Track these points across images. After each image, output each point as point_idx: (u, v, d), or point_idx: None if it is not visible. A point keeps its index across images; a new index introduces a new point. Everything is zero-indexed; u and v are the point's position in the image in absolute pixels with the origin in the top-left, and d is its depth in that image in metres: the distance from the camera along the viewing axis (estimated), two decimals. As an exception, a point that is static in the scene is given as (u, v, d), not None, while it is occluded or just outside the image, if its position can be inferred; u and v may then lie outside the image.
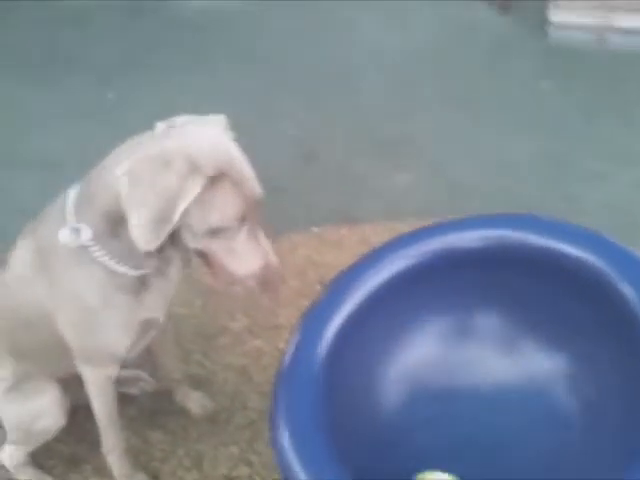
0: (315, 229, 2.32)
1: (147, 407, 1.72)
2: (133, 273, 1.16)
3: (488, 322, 1.39)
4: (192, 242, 1.06)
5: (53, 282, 1.18)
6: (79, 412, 1.57)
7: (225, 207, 1.01)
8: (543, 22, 4.93)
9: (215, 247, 1.05)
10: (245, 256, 1.06)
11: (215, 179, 0.99)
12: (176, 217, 0.98)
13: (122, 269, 1.14)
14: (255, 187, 1.06)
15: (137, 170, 0.98)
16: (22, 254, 1.24)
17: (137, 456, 1.57)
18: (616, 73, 4.16)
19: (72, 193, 1.15)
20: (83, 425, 1.61)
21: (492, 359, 1.38)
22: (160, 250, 1.10)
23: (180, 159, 0.96)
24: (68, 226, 1.11)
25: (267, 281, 1.10)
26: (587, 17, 4.74)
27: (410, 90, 3.87)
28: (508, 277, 1.34)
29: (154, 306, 1.25)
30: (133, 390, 1.74)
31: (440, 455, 1.24)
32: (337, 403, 1.22)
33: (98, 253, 1.12)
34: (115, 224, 1.07)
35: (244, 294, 1.15)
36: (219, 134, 1.10)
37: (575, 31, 4.77)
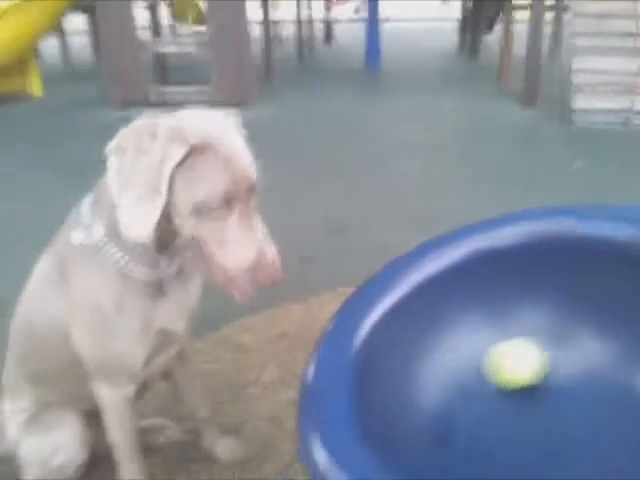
0: (341, 289, 2.30)
1: (172, 456, 1.62)
2: (146, 274, 1.12)
3: (534, 317, 1.31)
4: (183, 226, 1.01)
5: (68, 288, 1.14)
6: (99, 467, 1.51)
7: (209, 181, 0.96)
8: (567, 110, 5.11)
9: (205, 232, 0.99)
10: (236, 244, 0.99)
11: (200, 150, 0.96)
12: (162, 188, 0.95)
13: (135, 269, 1.11)
14: (247, 170, 1.01)
15: (122, 143, 0.97)
16: (41, 267, 1.22)
17: (160, 503, 1.46)
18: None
19: (87, 199, 1.14)
20: (104, 475, 1.52)
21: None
22: (166, 246, 1.09)
23: (164, 129, 0.95)
24: (81, 225, 1.11)
25: (262, 279, 1.00)
26: (609, 102, 4.88)
27: (440, 174, 4.00)
28: (550, 270, 1.28)
29: (171, 316, 1.20)
30: (159, 439, 1.65)
31: (487, 458, 1.10)
32: (370, 404, 1.12)
33: (111, 251, 1.09)
34: None
35: (242, 297, 1.06)
36: (217, 115, 1.06)
37: (599, 115, 4.90)
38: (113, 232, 1.07)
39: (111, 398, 1.25)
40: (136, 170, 0.95)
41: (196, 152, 0.96)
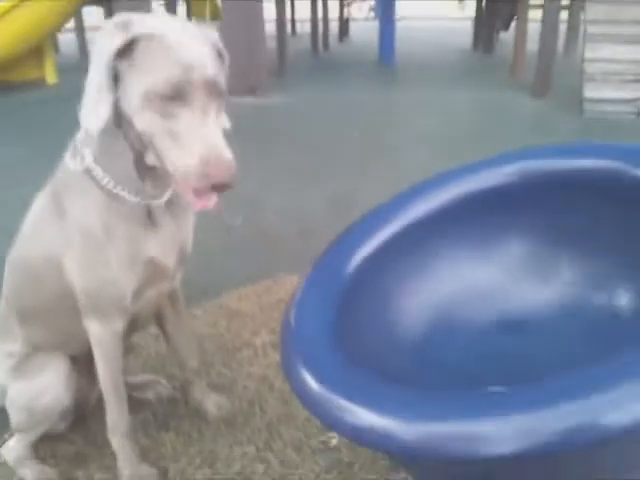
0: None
1: (161, 411, 1.63)
2: (133, 198, 1.14)
3: (517, 251, 1.34)
4: (138, 122, 1.01)
5: (63, 216, 1.17)
6: (88, 417, 1.54)
7: (155, 70, 0.96)
8: (579, 99, 5.06)
9: (158, 128, 0.98)
10: (187, 139, 0.96)
11: (145, 40, 0.97)
12: (104, 78, 0.98)
13: (123, 193, 1.13)
14: (200, 63, 0.98)
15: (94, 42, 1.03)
16: (39, 200, 1.25)
17: (146, 455, 1.46)
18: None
19: (82, 130, 1.15)
20: (91, 427, 1.54)
21: (527, 285, 1.28)
22: (152, 172, 1.12)
23: (111, 22, 0.99)
24: (74, 151, 1.14)
25: (214, 176, 0.95)
26: (621, 91, 4.82)
27: (450, 161, 3.94)
28: (531, 205, 1.31)
29: (161, 247, 1.21)
30: (149, 395, 1.66)
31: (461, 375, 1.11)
32: (352, 328, 1.13)
33: (100, 176, 1.12)
34: (107, 139, 1.09)
35: (203, 203, 1.01)
36: (181, 20, 1.08)
37: (610, 105, 4.84)
38: (98, 159, 1.12)
39: (100, 333, 1.25)
40: (91, 65, 0.99)
41: (141, 42, 0.97)
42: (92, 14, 12.76)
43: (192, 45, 1.00)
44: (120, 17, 1.01)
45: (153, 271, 1.23)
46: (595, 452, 0.78)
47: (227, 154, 0.97)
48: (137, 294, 1.23)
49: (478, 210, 1.30)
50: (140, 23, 0.99)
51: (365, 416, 0.87)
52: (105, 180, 1.13)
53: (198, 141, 0.96)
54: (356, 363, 0.99)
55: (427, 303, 1.29)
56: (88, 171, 1.13)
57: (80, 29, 10.42)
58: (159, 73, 0.96)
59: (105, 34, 0.99)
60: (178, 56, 0.97)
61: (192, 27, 1.06)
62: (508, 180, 1.30)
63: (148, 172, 1.13)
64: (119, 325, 1.26)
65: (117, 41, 0.97)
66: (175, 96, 0.97)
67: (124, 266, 1.17)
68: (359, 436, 0.89)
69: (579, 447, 0.73)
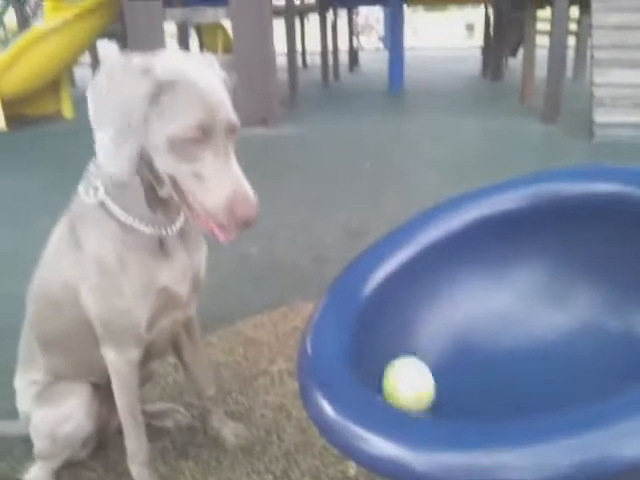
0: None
1: (180, 440, 1.64)
2: (146, 229, 1.17)
3: (530, 276, 1.34)
4: (161, 164, 1.04)
5: (78, 247, 1.20)
6: (108, 444, 1.56)
7: (181, 115, 0.98)
8: (588, 124, 5.08)
9: (183, 170, 1.01)
10: (213, 181, 1.00)
11: (170, 86, 0.98)
12: (133, 123, 0.98)
13: (135, 224, 1.16)
14: (223, 106, 1.02)
15: (98, 82, 1.02)
16: (57, 229, 1.29)
17: (165, 483, 1.47)
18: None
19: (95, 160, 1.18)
20: (112, 456, 1.56)
21: (542, 311, 1.29)
22: (159, 202, 1.15)
23: (134, 66, 1.00)
24: (88, 184, 1.18)
25: (240, 215, 0.99)
26: (631, 115, 4.85)
27: (461, 186, 3.96)
28: (544, 230, 1.31)
29: (174, 276, 1.23)
30: (168, 423, 1.68)
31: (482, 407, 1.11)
32: (369, 354, 1.14)
33: (113, 208, 1.15)
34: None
35: (226, 237, 1.05)
36: (193, 55, 1.10)
37: (621, 129, 4.86)
38: (110, 191, 1.15)
39: (117, 361, 1.28)
40: (109, 108, 1.00)
41: (167, 88, 0.99)
42: (106, 47, 13.01)
43: (214, 88, 1.03)
44: (139, 59, 1.02)
45: (166, 300, 1.25)
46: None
47: (251, 193, 1.01)
48: (151, 323, 1.25)
49: (491, 235, 1.31)
50: (161, 67, 1.00)
51: (382, 445, 0.87)
52: (117, 212, 1.16)
53: (224, 182, 1.00)
54: (373, 391, 1.00)
55: (442, 329, 1.29)
56: (101, 203, 1.16)
57: (95, 63, 10.64)
58: (185, 119, 0.98)
59: (129, 80, 0.99)
60: (203, 102, 1.00)
61: (204, 63, 1.09)
62: (521, 204, 1.31)
63: (159, 203, 1.17)
64: (135, 353, 1.28)
65: (145, 89, 0.98)
66: (200, 140, 1.00)
67: (137, 295, 1.20)
68: (376, 465, 0.89)
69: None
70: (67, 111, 7.04)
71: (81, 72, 11.34)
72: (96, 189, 1.16)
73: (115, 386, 1.31)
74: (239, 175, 1.02)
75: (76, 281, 1.22)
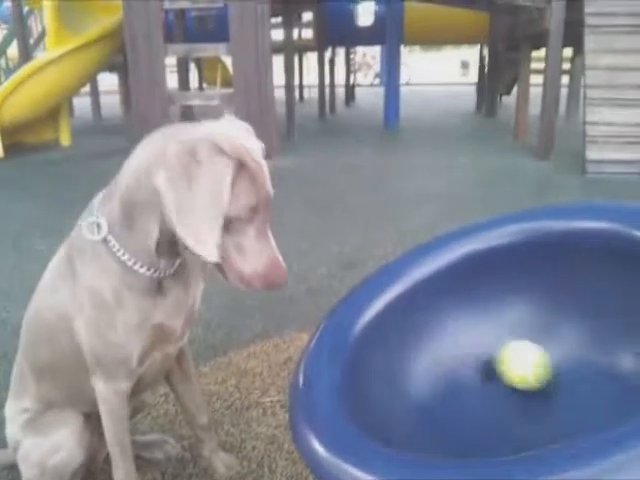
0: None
1: (170, 471, 1.61)
2: (146, 272, 1.15)
3: (521, 312, 1.35)
4: None
5: (74, 279, 1.20)
6: (96, 474, 1.54)
7: (243, 196, 0.99)
8: (581, 161, 5.16)
9: (226, 243, 1.03)
10: (252, 254, 1.04)
11: (239, 166, 0.99)
12: (225, 204, 0.97)
13: (136, 267, 1.14)
14: (269, 184, 1.05)
15: (169, 172, 0.97)
16: (55, 260, 1.29)
17: (154, 516, 1.45)
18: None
19: (100, 194, 1.19)
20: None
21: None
22: (167, 250, 1.13)
23: (204, 145, 0.97)
24: (90, 220, 1.16)
25: (273, 281, 1.06)
26: (623, 153, 4.93)
27: (456, 220, 4.00)
28: (534, 266, 1.33)
29: (169, 312, 1.23)
30: (157, 454, 1.65)
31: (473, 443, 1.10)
32: (359, 392, 1.13)
33: (115, 248, 1.13)
34: (130, 216, 1.09)
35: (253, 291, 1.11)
36: (239, 126, 1.12)
37: (612, 166, 4.94)
38: (114, 230, 1.13)
39: (106, 392, 1.26)
40: (192, 198, 0.96)
41: (237, 169, 0.99)
42: (106, 79, 13.20)
43: (264, 166, 1.05)
44: (205, 137, 0.99)
45: (160, 335, 1.25)
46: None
47: (282, 262, 1.06)
48: (143, 357, 1.24)
49: (480, 271, 1.32)
50: (227, 145, 0.99)
51: None
52: (120, 252, 1.14)
53: (262, 254, 1.04)
54: (363, 428, 0.99)
55: (432, 364, 1.29)
56: (103, 240, 1.14)
57: (95, 93, 10.78)
58: (245, 200, 1.00)
59: (215, 161, 0.97)
60: (260, 183, 1.02)
61: (250, 134, 1.11)
62: (509, 241, 1.33)
63: (167, 252, 1.15)
64: (125, 385, 1.26)
65: (229, 172, 0.97)
66: (248, 217, 1.02)
67: (131, 331, 1.19)
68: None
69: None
70: (65, 139, 7.10)
71: (80, 101, 11.48)
72: (99, 226, 1.14)
73: (104, 417, 1.29)
74: (274, 246, 1.06)
75: (71, 313, 1.21)
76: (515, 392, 1.23)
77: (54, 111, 6.88)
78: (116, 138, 7.76)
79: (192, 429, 1.58)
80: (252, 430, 1.77)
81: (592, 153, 5.05)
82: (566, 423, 1.08)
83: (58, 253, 1.28)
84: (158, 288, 1.20)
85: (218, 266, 1.08)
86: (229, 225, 1.01)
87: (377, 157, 6.50)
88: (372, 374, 1.21)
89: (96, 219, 1.14)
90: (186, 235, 0.98)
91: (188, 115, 7.39)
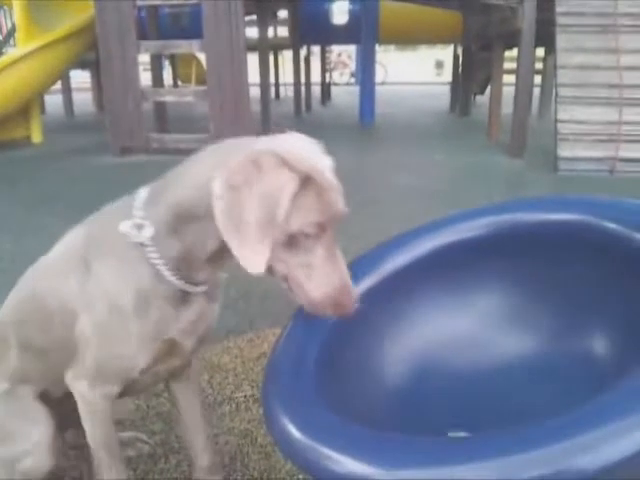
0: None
1: (141, 468, 1.59)
2: (180, 284, 1.08)
3: (494, 301, 1.36)
4: (277, 265, 1.00)
5: (90, 274, 1.09)
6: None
7: (307, 212, 0.95)
8: (553, 158, 5.24)
9: (293, 263, 0.98)
10: (321, 276, 0.99)
11: (306, 181, 0.94)
12: (281, 217, 0.92)
13: (170, 277, 1.06)
14: (340, 202, 1.00)
15: (230, 180, 0.92)
16: (71, 239, 1.17)
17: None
18: (623, 195, 4.36)
19: (143, 192, 1.10)
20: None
21: (503, 334, 1.31)
22: (215, 263, 1.06)
23: (268, 156, 0.93)
24: (133, 220, 1.05)
25: (343, 308, 1.01)
26: (594, 150, 5.02)
27: (430, 215, 4.05)
28: (508, 256, 1.34)
29: (185, 329, 1.14)
30: (130, 452, 1.63)
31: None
32: (335, 376, 1.14)
33: (153, 255, 1.05)
34: (181, 224, 1.02)
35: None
36: (309, 142, 1.05)
37: (584, 163, 5.02)
38: (161, 237, 1.04)
39: (91, 395, 1.16)
40: (247, 206, 0.92)
41: (304, 183, 0.94)
42: (78, 76, 13.03)
43: (335, 182, 1.01)
44: (268, 149, 0.95)
45: (170, 349, 1.15)
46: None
47: (352, 287, 1.02)
48: (146, 369, 1.16)
49: (454, 262, 1.33)
50: (294, 158, 0.95)
51: (350, 464, 0.87)
52: (157, 259, 1.05)
53: (332, 276, 1.00)
54: (338, 412, 0.99)
55: (409, 350, 1.30)
56: (141, 246, 1.05)
57: (67, 90, 10.63)
58: (312, 216, 0.96)
59: (277, 173, 0.92)
60: (330, 199, 0.98)
61: (320, 151, 1.05)
62: (481, 232, 1.34)
63: (211, 264, 1.08)
64: (115, 390, 1.16)
65: (293, 186, 0.93)
66: (316, 234, 0.98)
67: (144, 343, 1.10)
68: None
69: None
70: (36, 136, 6.99)
71: (51, 98, 11.31)
72: (141, 227, 1.05)
73: (86, 421, 1.19)
74: (344, 268, 1.01)
75: (77, 307, 1.12)
76: (491, 375, 1.24)
77: (25, 108, 6.76)
78: (88, 135, 7.68)
79: (188, 449, 1.46)
80: (225, 425, 1.77)
81: (563, 151, 5.12)
82: (538, 404, 1.10)
83: (73, 238, 1.17)
84: (182, 301, 1.11)
85: (288, 286, 1.03)
86: (294, 241, 0.97)
87: (352, 155, 6.51)
88: (347, 361, 1.21)
89: (140, 220, 1.05)
90: (232, 243, 0.93)
91: (161, 112, 7.33)
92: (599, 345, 1.20)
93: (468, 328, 1.33)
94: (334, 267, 1.00)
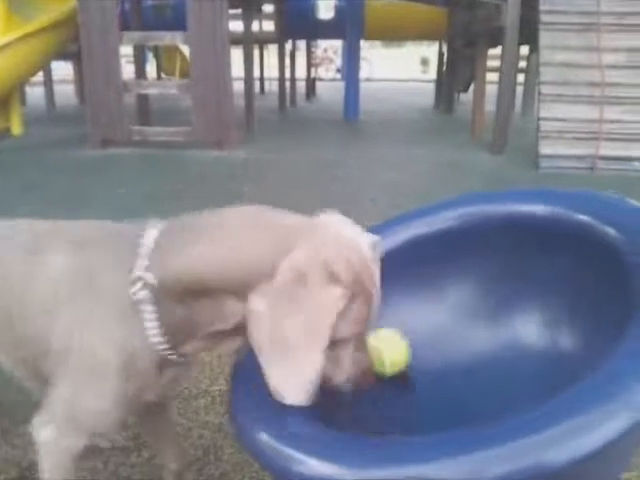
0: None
1: (112, 460, 1.57)
2: (167, 353, 0.96)
3: (464, 293, 1.36)
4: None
5: (78, 321, 0.96)
6: None
7: (349, 321, 0.87)
8: (534, 156, 5.27)
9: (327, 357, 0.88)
10: (347, 365, 0.92)
11: (353, 296, 0.86)
12: (327, 340, 0.83)
13: (159, 344, 0.94)
14: (379, 300, 0.93)
15: (273, 292, 0.83)
16: (57, 266, 0.99)
17: (95, 507, 1.41)
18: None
19: (154, 232, 0.94)
20: None
21: (476, 326, 1.32)
22: (215, 338, 0.94)
23: (316, 269, 0.83)
24: (137, 273, 0.90)
25: (361, 388, 0.97)
26: (575, 148, 5.06)
27: (408, 209, 4.07)
28: (477, 249, 1.34)
29: (164, 389, 1.05)
30: (101, 442, 1.61)
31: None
32: None
33: (149, 316, 0.92)
34: (189, 297, 0.90)
35: None
36: (357, 239, 0.94)
37: (565, 161, 5.06)
38: (162, 297, 0.91)
39: (54, 446, 1.03)
40: (287, 327, 0.83)
41: (351, 297, 0.86)
42: (61, 68, 12.87)
43: (379, 294, 0.93)
44: (317, 258, 0.84)
45: (146, 406, 1.08)
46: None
47: (371, 364, 0.97)
48: (120, 423, 1.06)
49: (426, 254, 1.32)
50: (345, 269, 0.85)
51: (312, 465, 0.85)
52: (152, 321, 0.92)
53: (358, 364, 0.94)
54: (305, 412, 0.98)
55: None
56: (139, 302, 0.91)
57: (49, 82, 10.50)
58: (352, 325, 0.88)
59: (324, 288, 0.83)
60: (371, 305, 0.91)
61: (370, 253, 0.94)
62: (453, 224, 1.34)
63: (203, 338, 0.96)
64: (81, 442, 1.04)
65: (341, 303, 0.84)
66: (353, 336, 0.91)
67: (120, 403, 0.99)
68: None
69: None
70: (16, 128, 6.89)
71: (33, 90, 11.17)
72: (144, 284, 0.90)
73: (46, 472, 1.05)
74: (368, 355, 0.96)
75: (58, 347, 0.98)
76: (462, 370, 1.24)
77: (4, 99, 6.66)
78: (70, 127, 7.59)
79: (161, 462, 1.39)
80: (200, 419, 1.75)
81: (545, 148, 5.15)
82: (506, 399, 1.09)
83: (61, 258, 0.98)
84: (164, 367, 1.00)
85: None
86: (334, 346, 0.89)
87: (336, 150, 6.51)
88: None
89: (143, 274, 0.90)
90: (272, 373, 0.85)
91: (144, 105, 7.27)
92: (569, 340, 1.20)
93: (440, 320, 1.33)
94: (361, 356, 0.94)
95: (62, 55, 8.85)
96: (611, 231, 1.08)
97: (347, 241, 0.90)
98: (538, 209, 1.23)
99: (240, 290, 0.85)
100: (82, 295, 0.95)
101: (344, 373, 0.93)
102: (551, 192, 1.27)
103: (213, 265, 0.88)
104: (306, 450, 0.88)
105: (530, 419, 0.80)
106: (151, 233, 0.93)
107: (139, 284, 0.90)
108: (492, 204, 1.31)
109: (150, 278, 0.89)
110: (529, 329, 1.27)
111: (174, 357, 0.97)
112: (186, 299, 0.90)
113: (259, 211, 0.96)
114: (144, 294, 0.90)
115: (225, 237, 0.90)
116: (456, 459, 0.78)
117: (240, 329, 0.88)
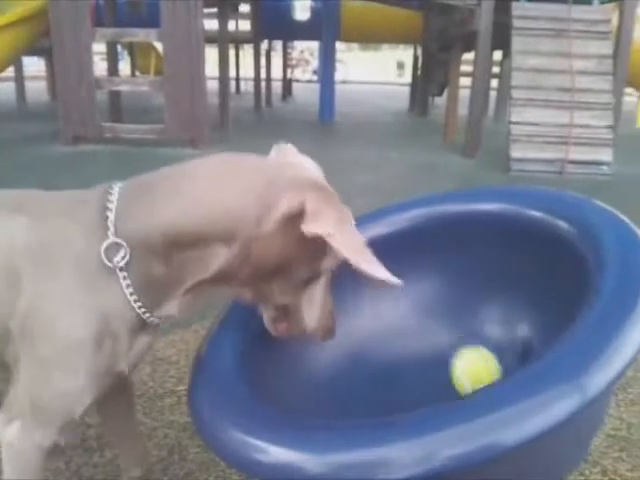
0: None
1: (75, 460, 1.55)
2: (145, 315, 0.94)
3: (426, 292, 1.38)
4: (281, 296, 0.99)
5: (19, 288, 0.90)
6: None
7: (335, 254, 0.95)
8: (505, 159, 5.35)
9: (303, 295, 1.00)
10: (319, 307, 1.01)
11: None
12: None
13: (137, 306, 0.92)
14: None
15: (330, 221, 0.92)
16: (11, 231, 0.93)
17: (55, 507, 1.38)
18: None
19: (116, 195, 0.91)
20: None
21: (436, 324, 1.34)
22: (195, 292, 0.94)
23: (327, 189, 1.05)
24: (111, 237, 0.88)
25: (328, 336, 1.06)
26: (544, 152, 5.14)
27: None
28: (438, 246, 1.37)
29: (133, 359, 0.99)
30: (62, 441, 1.57)
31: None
32: (262, 364, 1.13)
33: (124, 282, 0.89)
34: (171, 251, 0.88)
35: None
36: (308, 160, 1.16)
37: (535, 164, 5.15)
38: (134, 259, 0.88)
39: (21, 443, 0.96)
40: (352, 235, 0.97)
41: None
42: (33, 64, 12.66)
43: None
44: (308, 181, 1.03)
45: (114, 380, 1.00)
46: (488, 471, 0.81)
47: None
48: (90, 408, 0.99)
49: (388, 252, 1.33)
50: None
51: (277, 453, 0.85)
52: (128, 286, 0.90)
53: (326, 306, 1.03)
54: (261, 398, 0.98)
55: (340, 341, 1.31)
56: (112, 269, 0.88)
57: (20, 78, 10.32)
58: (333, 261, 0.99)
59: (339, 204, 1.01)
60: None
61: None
62: (414, 223, 1.38)
63: (185, 294, 0.95)
64: (51, 436, 0.97)
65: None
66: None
67: (92, 380, 0.93)
68: (273, 474, 0.86)
69: (472, 468, 0.75)
70: (-16, 124, 6.77)
71: (3, 86, 10.97)
72: (117, 250, 0.88)
73: (8, 472, 0.98)
74: (332, 299, 1.05)
75: (16, 326, 0.91)
76: (419, 364, 1.26)
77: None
78: (40, 124, 7.47)
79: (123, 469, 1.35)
80: (165, 418, 1.73)
81: (515, 152, 5.23)
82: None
83: (15, 223, 0.93)
84: (138, 332, 0.96)
85: (274, 318, 1.04)
86: (313, 277, 0.99)
87: (311, 151, 6.45)
88: (281, 354, 1.20)
89: (116, 239, 0.88)
90: (369, 270, 0.91)
91: (116, 102, 7.18)
92: (529, 333, 1.22)
93: (401, 317, 1.34)
94: (328, 298, 1.03)
95: (34, 51, 8.71)
96: (564, 225, 1.11)
97: (308, 165, 1.08)
98: (494, 207, 1.26)
99: (228, 233, 0.87)
100: (47, 267, 0.90)
101: (317, 316, 1.00)
102: (506, 190, 1.31)
103: (190, 218, 0.88)
104: (265, 437, 0.88)
105: (482, 401, 0.82)
106: (113, 196, 0.91)
107: (112, 248, 0.88)
108: (450, 203, 1.34)
109: (122, 242, 0.88)
110: (489, 324, 1.30)
111: (152, 319, 0.95)
112: (171, 252, 0.88)
113: (226, 157, 0.99)
114: (118, 258, 0.88)
115: (205, 184, 0.91)
116: (409, 441, 0.79)
117: (217, 278, 0.90)
